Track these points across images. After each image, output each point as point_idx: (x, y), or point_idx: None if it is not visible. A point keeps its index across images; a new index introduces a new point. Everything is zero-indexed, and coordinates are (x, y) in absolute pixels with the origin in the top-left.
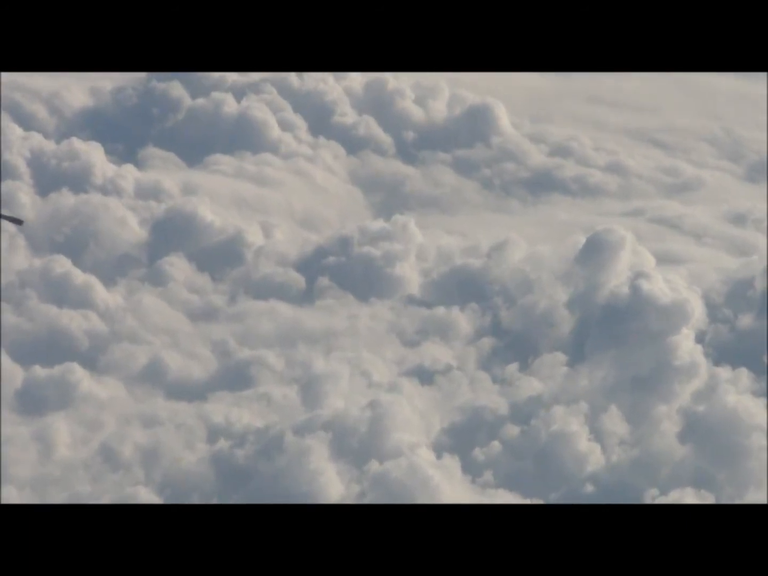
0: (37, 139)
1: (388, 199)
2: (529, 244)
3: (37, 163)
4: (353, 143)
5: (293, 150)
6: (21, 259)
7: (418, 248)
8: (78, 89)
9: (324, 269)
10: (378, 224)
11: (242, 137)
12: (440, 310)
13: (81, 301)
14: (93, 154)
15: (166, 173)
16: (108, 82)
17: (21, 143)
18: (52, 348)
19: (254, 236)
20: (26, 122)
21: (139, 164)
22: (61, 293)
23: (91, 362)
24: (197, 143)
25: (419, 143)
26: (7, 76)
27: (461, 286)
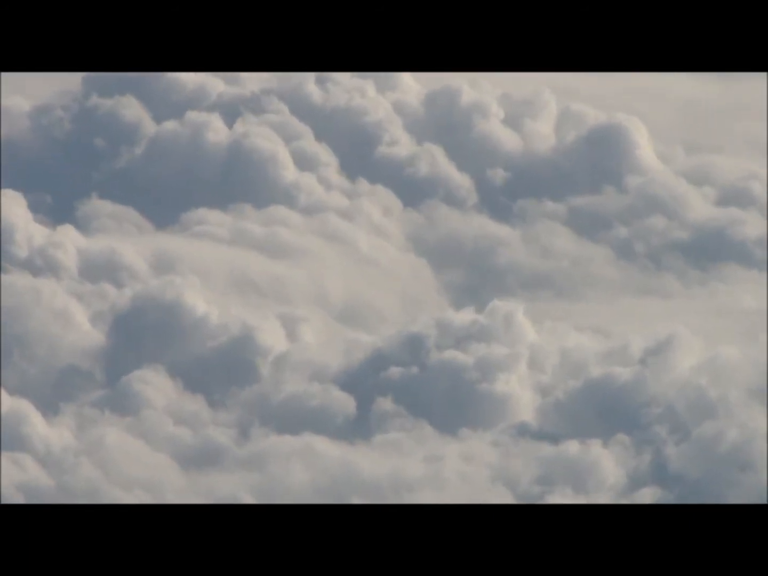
0: None
1: (472, 276)
2: (705, 344)
3: None
4: (412, 189)
5: (319, 200)
6: None
7: (532, 351)
8: None
9: (384, 386)
10: (466, 316)
11: (238, 181)
12: (572, 446)
13: (9, 439)
14: (11, 210)
15: (125, 239)
16: (23, 99)
17: None
18: None
19: (272, 337)
20: None
21: (80, 225)
22: None
23: None
24: (168, 192)
25: (514, 188)
26: None
27: (603, 410)
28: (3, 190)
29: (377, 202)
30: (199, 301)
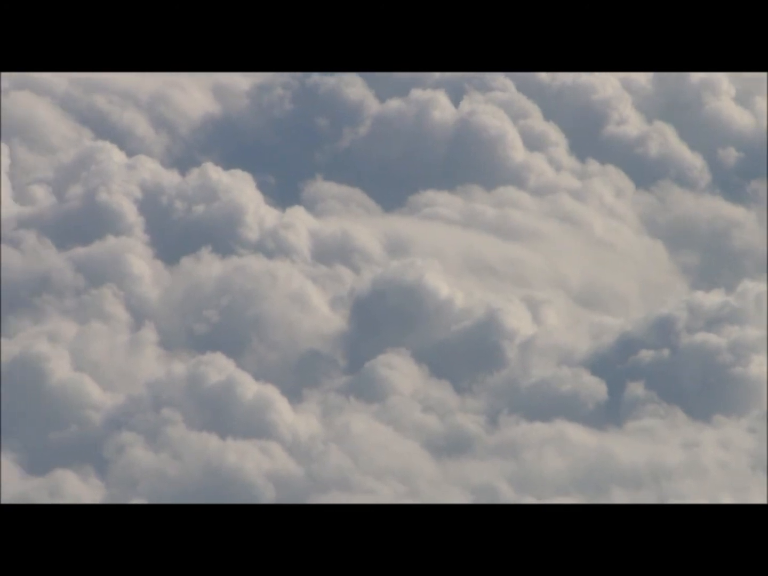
0: (149, 168)
1: (708, 258)
2: None
3: (154, 208)
4: (644, 169)
5: (550, 182)
6: (151, 362)
7: None
8: (194, 89)
9: (636, 371)
10: (716, 298)
11: (466, 161)
12: None
13: (255, 426)
14: (241, 190)
15: (354, 221)
16: (241, 77)
17: (125, 176)
18: (218, 499)
19: (518, 320)
20: (122, 141)
21: (307, 207)
22: (221, 415)
23: None
24: (394, 173)
25: (747, 168)
26: (82, 74)
27: None
28: (232, 170)
29: (609, 183)
30: (442, 284)
